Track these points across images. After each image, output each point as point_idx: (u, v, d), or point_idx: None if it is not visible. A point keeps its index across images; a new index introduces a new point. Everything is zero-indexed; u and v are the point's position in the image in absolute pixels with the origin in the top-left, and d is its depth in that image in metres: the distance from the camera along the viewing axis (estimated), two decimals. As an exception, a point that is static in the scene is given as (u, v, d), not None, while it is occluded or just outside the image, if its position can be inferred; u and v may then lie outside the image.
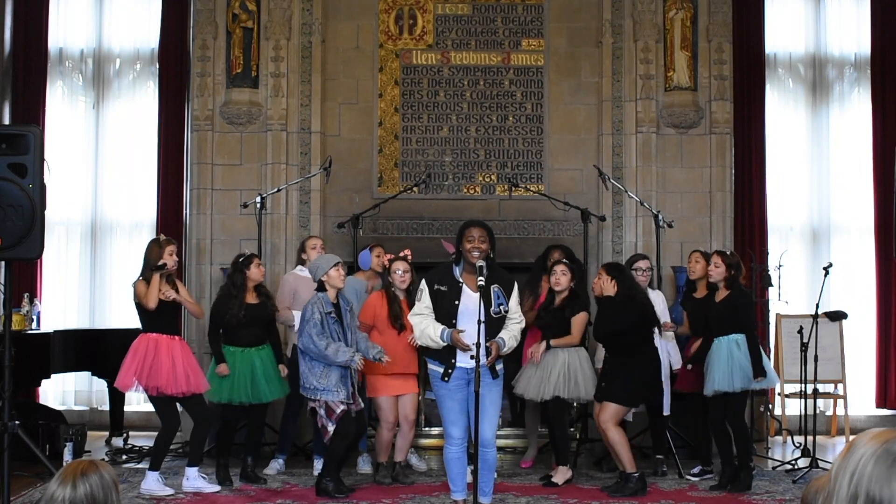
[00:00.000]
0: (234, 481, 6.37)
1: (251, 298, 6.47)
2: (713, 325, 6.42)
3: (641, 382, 6.20)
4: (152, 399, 6.09)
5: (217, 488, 6.17)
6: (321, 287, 6.02)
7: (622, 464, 6.17)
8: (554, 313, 6.47)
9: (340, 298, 6.08)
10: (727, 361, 6.23)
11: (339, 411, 5.90)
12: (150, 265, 6.01)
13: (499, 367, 5.15)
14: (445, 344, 5.03)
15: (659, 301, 7.00)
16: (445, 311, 5.06)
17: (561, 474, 6.43)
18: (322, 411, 5.91)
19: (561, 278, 6.50)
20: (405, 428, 6.49)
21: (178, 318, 6.25)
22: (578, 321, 6.45)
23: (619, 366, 6.22)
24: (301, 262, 7.06)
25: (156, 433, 6.22)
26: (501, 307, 5.07)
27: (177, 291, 6.15)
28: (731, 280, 6.35)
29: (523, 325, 5.29)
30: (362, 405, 6.15)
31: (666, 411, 6.87)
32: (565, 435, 6.67)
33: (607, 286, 6.26)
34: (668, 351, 6.90)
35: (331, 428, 5.92)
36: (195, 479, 6.13)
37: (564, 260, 6.69)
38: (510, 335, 5.11)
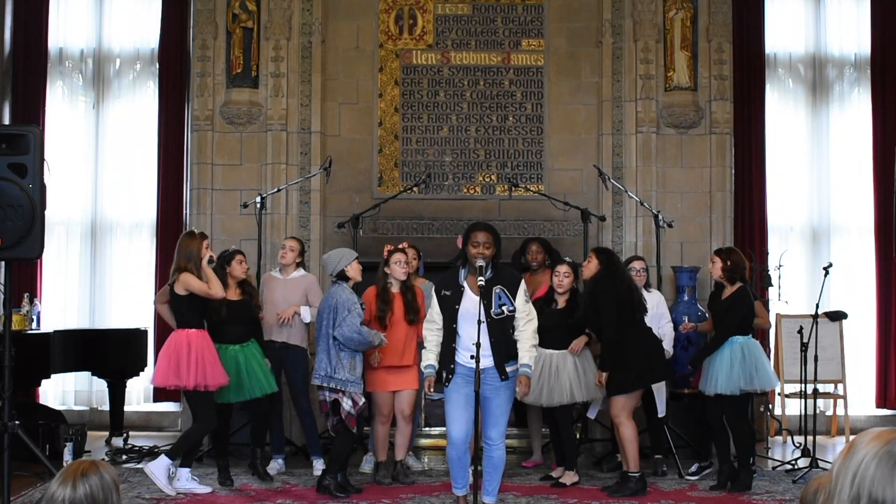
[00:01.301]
0: (235, 481, 6.37)
1: (233, 295, 6.45)
2: (715, 322, 6.42)
3: (624, 368, 6.06)
4: (192, 394, 6.01)
5: (209, 489, 6.12)
6: (342, 277, 6.07)
7: (626, 461, 6.17)
8: (562, 313, 6.44)
9: None
10: (728, 362, 6.21)
11: (361, 403, 5.98)
12: (195, 259, 5.95)
13: (510, 368, 5.10)
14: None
15: (660, 302, 6.98)
16: (448, 315, 5.11)
17: (569, 477, 6.42)
18: (349, 401, 5.93)
19: (564, 280, 6.47)
20: (402, 424, 6.49)
21: None
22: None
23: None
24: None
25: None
26: (504, 307, 5.05)
27: None
28: (730, 274, 6.33)
29: (536, 322, 5.20)
30: (364, 400, 6.18)
31: (661, 413, 6.84)
32: (573, 438, 6.66)
33: (590, 266, 6.23)
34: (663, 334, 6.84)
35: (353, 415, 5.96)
36: (187, 481, 6.07)
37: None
38: (528, 346, 5.07)
